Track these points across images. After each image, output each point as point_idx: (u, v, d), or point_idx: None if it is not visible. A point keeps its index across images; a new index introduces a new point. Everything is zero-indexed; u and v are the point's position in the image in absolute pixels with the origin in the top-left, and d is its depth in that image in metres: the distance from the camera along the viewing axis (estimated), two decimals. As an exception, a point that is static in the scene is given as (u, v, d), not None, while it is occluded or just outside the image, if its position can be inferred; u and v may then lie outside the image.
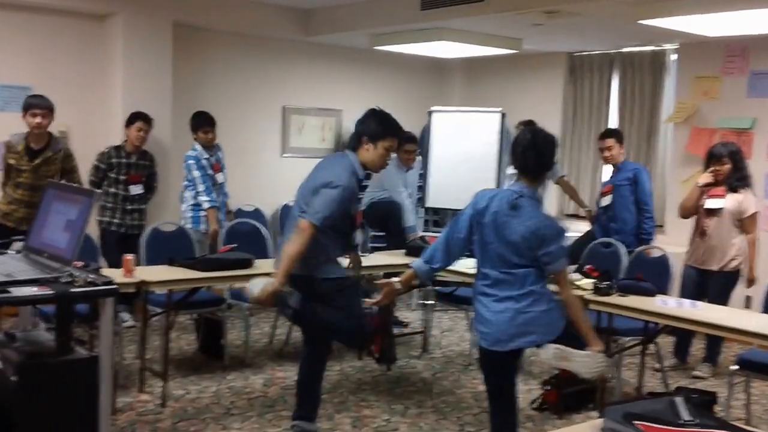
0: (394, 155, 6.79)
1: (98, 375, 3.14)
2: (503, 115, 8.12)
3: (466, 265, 5.61)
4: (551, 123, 8.28)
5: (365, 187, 4.41)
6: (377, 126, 4.23)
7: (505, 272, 3.68)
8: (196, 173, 6.54)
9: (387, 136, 4.24)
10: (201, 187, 6.54)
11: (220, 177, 6.72)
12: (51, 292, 2.96)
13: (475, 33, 7.43)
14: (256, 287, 4.05)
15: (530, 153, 3.69)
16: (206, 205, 6.53)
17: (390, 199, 6.74)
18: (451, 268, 5.52)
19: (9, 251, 3.53)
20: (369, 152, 4.22)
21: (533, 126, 4.27)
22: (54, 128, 6.68)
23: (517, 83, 9.07)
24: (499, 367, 3.79)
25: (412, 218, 6.73)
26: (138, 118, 6.42)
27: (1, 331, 3.52)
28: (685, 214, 6.03)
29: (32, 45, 6.88)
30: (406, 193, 6.84)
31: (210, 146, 6.67)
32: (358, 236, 4.40)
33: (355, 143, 4.27)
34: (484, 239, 3.72)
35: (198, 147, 6.61)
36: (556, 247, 3.64)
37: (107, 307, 3.18)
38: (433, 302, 6.54)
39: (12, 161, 5.83)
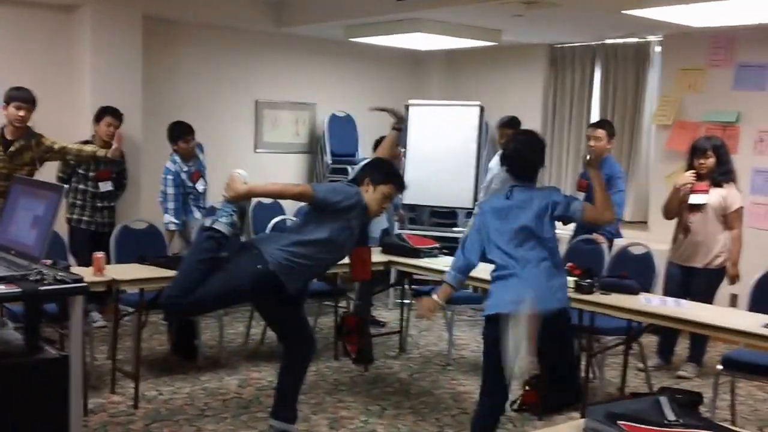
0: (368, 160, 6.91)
1: (68, 375, 3.14)
2: (482, 109, 8.14)
3: (445, 263, 5.67)
4: (532, 117, 8.36)
5: (363, 225, 4.51)
6: (380, 172, 4.35)
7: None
8: (170, 191, 6.53)
9: (389, 181, 4.34)
10: (171, 205, 6.53)
11: (200, 186, 6.69)
12: (18, 290, 2.96)
13: (453, 24, 7.42)
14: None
15: (521, 162, 4.05)
16: (171, 227, 6.52)
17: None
18: (429, 265, 5.65)
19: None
20: (368, 193, 4.30)
21: (519, 129, 4.33)
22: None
23: (496, 76, 9.08)
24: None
25: (377, 230, 6.75)
26: (107, 113, 6.41)
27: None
28: (669, 216, 6.05)
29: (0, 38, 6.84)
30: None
31: (190, 155, 6.62)
32: None
33: (357, 182, 4.39)
34: (495, 228, 3.99)
35: (177, 159, 6.56)
36: (562, 198, 4.01)
37: (77, 305, 3.19)
38: (410, 301, 6.56)
39: None
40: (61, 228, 6.10)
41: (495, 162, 6.65)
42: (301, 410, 4.75)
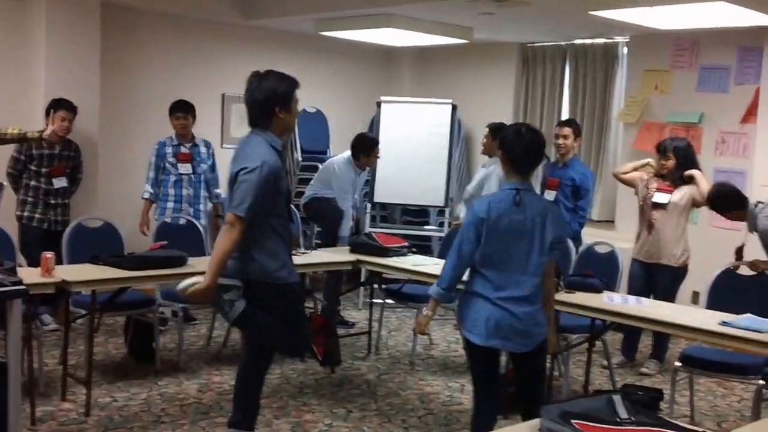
0: (346, 155, 6.82)
1: (6, 383, 2.94)
2: (455, 107, 8.03)
3: (414, 261, 5.55)
4: (503, 115, 8.24)
5: (284, 157, 4.24)
6: (284, 86, 3.90)
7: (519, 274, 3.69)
8: (152, 159, 6.58)
9: (295, 89, 3.94)
10: (150, 174, 6.57)
11: (182, 168, 6.59)
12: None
13: (425, 21, 7.34)
14: (184, 285, 3.88)
15: (528, 154, 3.73)
16: (144, 195, 6.57)
17: (332, 199, 6.75)
18: (397, 264, 5.50)
19: None
20: (283, 119, 3.90)
21: (518, 125, 4.00)
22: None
23: (468, 73, 8.98)
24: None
25: (347, 228, 6.74)
26: (60, 106, 6.06)
27: None
28: (617, 176, 6.31)
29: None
30: (352, 201, 6.89)
31: (183, 134, 6.61)
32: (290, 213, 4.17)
33: (263, 119, 3.91)
34: (497, 244, 3.66)
35: (173, 135, 6.61)
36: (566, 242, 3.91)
37: (15, 309, 2.99)
38: (380, 301, 6.41)
39: None
40: (11, 226, 5.82)
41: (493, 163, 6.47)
42: (263, 414, 4.60)
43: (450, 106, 7.99)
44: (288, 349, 4.39)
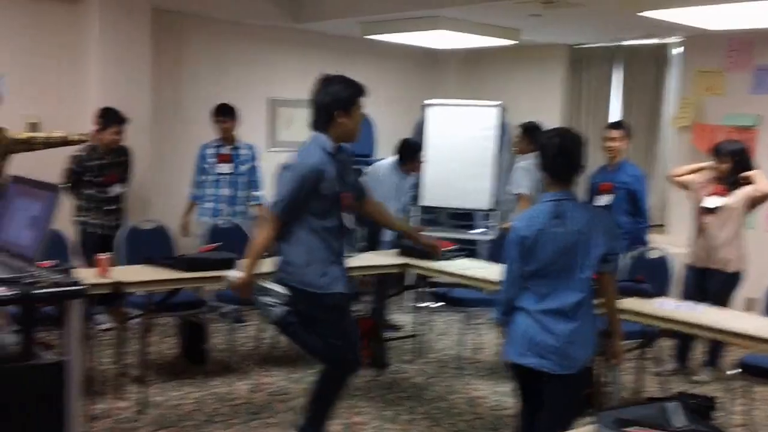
0: (392, 160, 6.88)
1: (65, 381, 3.04)
2: (501, 109, 8.02)
3: (461, 265, 5.57)
4: (550, 117, 8.21)
5: (348, 162, 4.11)
6: (347, 91, 3.92)
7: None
8: (197, 162, 6.89)
9: (360, 96, 3.96)
10: (194, 177, 6.86)
11: (221, 168, 6.80)
12: (11, 293, 2.85)
13: (471, 23, 7.34)
14: (227, 275, 4.02)
15: (560, 159, 3.46)
16: (189, 197, 6.86)
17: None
18: (444, 268, 5.52)
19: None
20: (343, 124, 3.90)
21: (552, 129, 3.83)
22: (25, 119, 6.59)
23: (515, 76, 8.98)
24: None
25: (389, 233, 6.74)
26: (112, 120, 6.20)
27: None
28: (671, 179, 6.21)
29: (5, 31, 6.71)
30: (398, 206, 6.94)
31: (227, 138, 6.83)
32: (348, 220, 4.04)
33: (323, 122, 3.92)
34: (539, 259, 3.45)
35: (217, 137, 6.86)
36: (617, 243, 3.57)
37: (74, 309, 3.08)
38: (427, 304, 6.44)
39: None
40: (69, 228, 5.99)
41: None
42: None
43: (497, 109, 7.98)
44: (335, 364, 4.10)
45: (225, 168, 6.83)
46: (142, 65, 7.04)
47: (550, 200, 3.48)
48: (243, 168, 6.88)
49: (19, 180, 3.44)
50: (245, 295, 3.99)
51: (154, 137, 7.07)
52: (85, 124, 6.48)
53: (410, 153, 6.86)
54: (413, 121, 8.54)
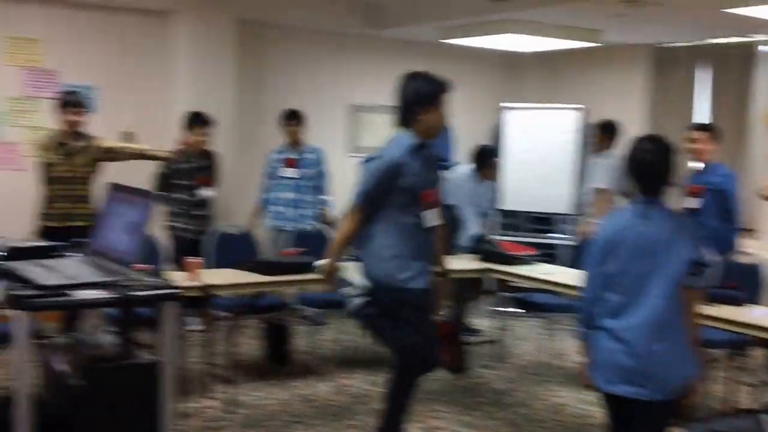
0: (468, 167, 6.94)
1: (160, 380, 3.19)
2: (582, 112, 7.99)
3: (541, 270, 5.61)
4: (634, 120, 8.15)
5: (431, 159, 4.11)
6: (429, 87, 3.95)
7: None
8: (265, 168, 7.06)
9: (442, 92, 3.97)
10: (263, 181, 7.06)
11: (288, 172, 6.96)
12: (111, 295, 3.02)
13: (550, 25, 7.34)
14: (316, 264, 4.18)
15: (648, 170, 3.25)
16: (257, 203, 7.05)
17: (453, 208, 6.81)
18: (524, 273, 5.57)
19: (73, 254, 3.63)
20: (425, 120, 3.93)
21: (651, 137, 3.45)
22: (119, 129, 6.88)
23: (596, 78, 8.93)
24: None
25: (464, 238, 6.74)
26: (198, 122, 6.40)
27: (67, 334, 3.62)
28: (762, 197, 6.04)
29: (98, 44, 7.08)
30: (476, 211, 6.96)
31: (295, 142, 7.01)
32: (433, 217, 4.02)
33: (406, 118, 3.96)
34: (618, 263, 3.23)
35: (283, 143, 7.05)
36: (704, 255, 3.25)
37: (169, 311, 3.24)
38: (507, 309, 6.47)
39: (45, 158, 5.85)
40: (161, 233, 6.23)
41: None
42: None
43: (577, 112, 7.96)
44: (410, 362, 4.08)
45: (290, 172, 6.99)
46: (227, 75, 7.31)
47: (637, 203, 3.30)
48: (308, 172, 7.04)
49: (116, 187, 3.62)
50: (330, 284, 4.10)
51: (239, 144, 7.32)
52: (173, 133, 6.70)
53: (486, 159, 6.92)
54: (491, 126, 8.58)
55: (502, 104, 8.26)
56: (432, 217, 4.02)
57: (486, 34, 7.58)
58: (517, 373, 6.02)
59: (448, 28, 7.80)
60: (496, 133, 8.20)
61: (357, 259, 4.11)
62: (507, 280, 5.88)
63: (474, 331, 6.96)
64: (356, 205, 3.94)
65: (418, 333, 3.99)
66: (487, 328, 7.07)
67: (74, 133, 5.87)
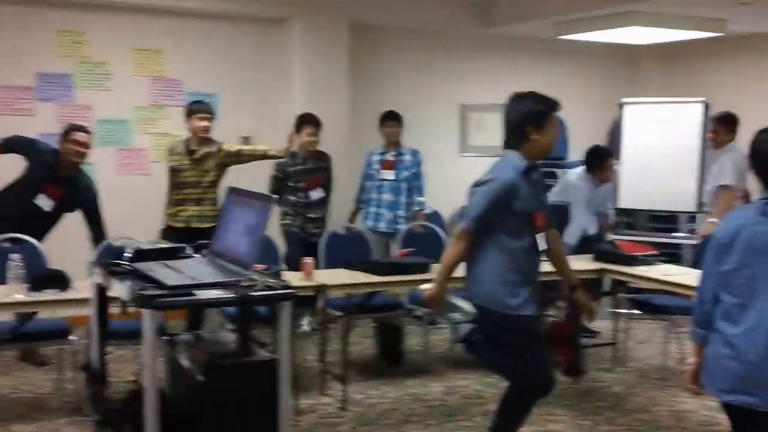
0: (581, 169, 6.86)
1: (277, 376, 3.32)
2: (707, 106, 7.80)
3: (662, 270, 5.50)
4: (763, 115, 7.90)
5: (541, 182, 4.08)
6: (539, 106, 3.89)
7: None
8: (363, 169, 7.21)
9: (553, 111, 3.90)
10: (359, 183, 7.22)
11: (385, 174, 7.07)
12: (232, 295, 3.16)
13: (670, 16, 7.19)
14: (422, 288, 4.07)
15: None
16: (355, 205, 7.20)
17: (564, 206, 6.78)
18: (644, 273, 5.48)
19: (196, 254, 3.81)
20: (536, 140, 3.85)
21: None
22: (239, 135, 7.17)
23: (721, 69, 8.70)
24: None
25: (572, 236, 6.68)
26: (306, 122, 6.52)
27: (191, 332, 3.81)
28: None
29: (218, 52, 7.41)
30: (589, 211, 6.91)
31: (393, 144, 7.10)
32: (542, 241, 3.95)
33: (516, 140, 3.89)
34: (736, 261, 3.06)
35: (382, 144, 7.13)
36: None
37: (285, 310, 3.36)
38: (626, 311, 6.37)
39: (174, 163, 6.17)
40: (277, 235, 6.45)
41: None
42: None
43: (701, 105, 7.76)
44: (522, 388, 4.01)
45: (388, 174, 7.08)
46: (341, 78, 7.50)
47: (760, 200, 3.09)
48: (406, 174, 7.10)
49: (235, 191, 3.78)
50: (435, 309, 4.08)
51: (353, 146, 7.47)
52: (286, 134, 6.80)
53: (598, 160, 6.83)
54: (608, 122, 8.47)
55: (622, 100, 8.14)
56: (541, 241, 3.95)
57: (606, 27, 7.49)
58: (638, 378, 5.92)
59: (563, 23, 7.73)
60: (616, 130, 8.08)
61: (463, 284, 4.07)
62: (626, 281, 5.79)
63: (592, 334, 6.88)
64: (466, 228, 3.84)
65: (528, 360, 3.90)
66: (606, 331, 6.97)
67: (202, 139, 6.13)
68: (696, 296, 3.28)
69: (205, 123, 6.13)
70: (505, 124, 3.96)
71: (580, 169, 6.96)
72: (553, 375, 4.04)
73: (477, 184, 3.88)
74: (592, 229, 6.84)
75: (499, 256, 3.83)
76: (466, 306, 3.92)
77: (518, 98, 3.94)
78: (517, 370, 3.91)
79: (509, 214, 3.80)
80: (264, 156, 6.31)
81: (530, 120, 3.85)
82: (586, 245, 6.43)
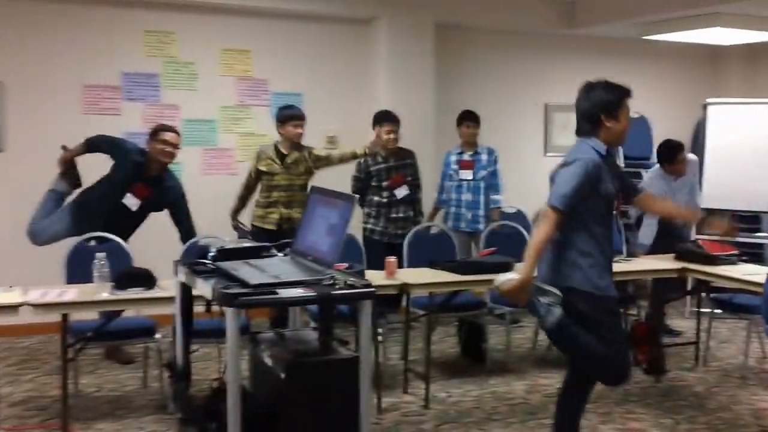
0: (653, 169, 6.61)
1: (358, 375, 3.25)
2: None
3: (745, 270, 5.27)
4: None
5: (615, 166, 3.95)
6: (611, 95, 3.76)
7: None
8: (442, 169, 7.09)
9: (625, 99, 3.79)
10: (438, 183, 7.09)
11: (463, 174, 6.94)
12: (313, 294, 3.11)
13: (755, 17, 6.95)
14: (501, 281, 3.82)
15: None
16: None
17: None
18: (726, 273, 5.25)
19: (278, 253, 3.77)
20: (611, 128, 3.75)
21: None
22: (323, 134, 7.11)
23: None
24: None
25: (646, 236, 6.43)
26: (383, 120, 6.35)
27: (273, 330, 3.77)
28: None
29: (302, 52, 7.35)
30: None
31: (470, 144, 6.95)
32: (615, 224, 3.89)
33: (590, 128, 3.79)
34: None
35: (459, 144, 6.99)
36: None
37: (366, 309, 3.28)
38: (709, 310, 6.14)
39: (264, 167, 6.11)
40: (360, 233, 6.30)
41: None
42: (589, 419, 4.63)
43: (787, 106, 7.46)
44: (604, 373, 3.92)
45: (467, 174, 6.93)
46: (426, 78, 7.40)
47: None
48: (483, 173, 6.95)
49: (318, 191, 3.73)
50: (521, 298, 3.81)
51: (438, 145, 7.35)
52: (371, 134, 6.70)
53: (670, 154, 6.47)
54: (692, 122, 8.21)
55: (706, 100, 7.87)
56: (614, 225, 3.88)
57: (692, 28, 7.31)
58: (719, 377, 5.73)
59: (649, 24, 7.55)
60: (701, 130, 7.83)
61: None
62: (708, 281, 5.58)
63: (674, 333, 6.67)
64: (557, 210, 3.67)
65: (613, 343, 3.79)
66: (689, 330, 6.75)
67: (293, 143, 6.11)
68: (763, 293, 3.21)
69: (300, 129, 6.10)
70: (577, 113, 3.85)
71: (655, 167, 6.70)
72: (630, 363, 3.95)
73: (562, 166, 3.77)
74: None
75: (589, 239, 3.74)
76: (555, 290, 3.76)
77: (590, 87, 3.83)
78: (601, 353, 3.77)
79: (594, 197, 3.71)
80: (354, 156, 6.24)
81: (603, 108, 3.75)
82: (663, 244, 6.16)
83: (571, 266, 3.75)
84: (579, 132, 3.86)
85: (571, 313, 3.74)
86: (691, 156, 6.96)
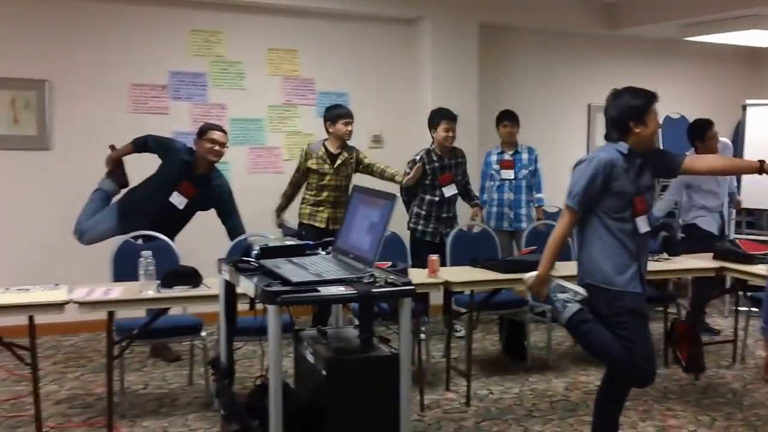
0: (690, 153, 6.33)
1: (399, 372, 3.12)
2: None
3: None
4: None
5: (643, 166, 3.73)
6: (637, 100, 3.65)
7: None
8: (483, 168, 6.88)
9: (651, 104, 3.67)
10: (480, 183, 6.84)
11: (505, 174, 6.74)
12: (354, 291, 2.99)
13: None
14: (527, 276, 3.87)
15: None
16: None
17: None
18: (764, 272, 5.02)
19: (321, 251, 3.66)
20: (639, 133, 3.63)
21: None
22: (369, 133, 6.97)
23: None
24: None
25: (661, 210, 6.24)
26: (442, 117, 6.13)
27: (315, 327, 3.65)
28: None
29: (348, 52, 7.20)
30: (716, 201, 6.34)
31: (510, 143, 6.76)
32: (644, 224, 3.70)
33: (618, 134, 3.68)
34: None
35: (499, 144, 6.79)
36: None
37: (406, 306, 3.16)
38: (747, 309, 5.92)
39: (313, 166, 5.94)
40: (406, 232, 6.11)
41: None
42: (629, 416, 4.51)
43: (827, 107, 7.18)
44: (619, 373, 3.76)
45: (508, 174, 6.73)
46: (471, 77, 7.25)
47: None
48: (525, 172, 6.76)
49: (360, 190, 3.61)
50: (540, 293, 3.82)
51: (481, 145, 7.18)
52: (420, 135, 6.58)
53: (699, 133, 6.10)
54: (731, 122, 7.96)
55: (745, 101, 7.62)
56: (642, 224, 3.70)
57: (732, 30, 7.11)
58: (757, 374, 5.54)
59: (689, 26, 7.35)
60: (740, 130, 7.59)
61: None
62: (746, 279, 5.35)
63: (712, 331, 6.45)
64: (569, 207, 3.67)
65: (636, 340, 3.64)
66: (727, 328, 6.54)
67: (341, 142, 5.97)
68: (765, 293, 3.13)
69: (350, 127, 5.94)
70: (606, 120, 3.77)
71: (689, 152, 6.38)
72: (654, 361, 3.75)
73: (578, 163, 3.74)
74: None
75: (605, 235, 3.67)
76: (575, 286, 3.73)
77: (616, 94, 3.74)
78: (622, 352, 3.63)
79: (609, 194, 3.64)
80: (391, 180, 6.02)
81: (631, 114, 3.65)
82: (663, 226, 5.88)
83: (589, 263, 3.72)
84: (608, 138, 3.79)
85: (594, 311, 3.69)
86: (724, 140, 6.65)
